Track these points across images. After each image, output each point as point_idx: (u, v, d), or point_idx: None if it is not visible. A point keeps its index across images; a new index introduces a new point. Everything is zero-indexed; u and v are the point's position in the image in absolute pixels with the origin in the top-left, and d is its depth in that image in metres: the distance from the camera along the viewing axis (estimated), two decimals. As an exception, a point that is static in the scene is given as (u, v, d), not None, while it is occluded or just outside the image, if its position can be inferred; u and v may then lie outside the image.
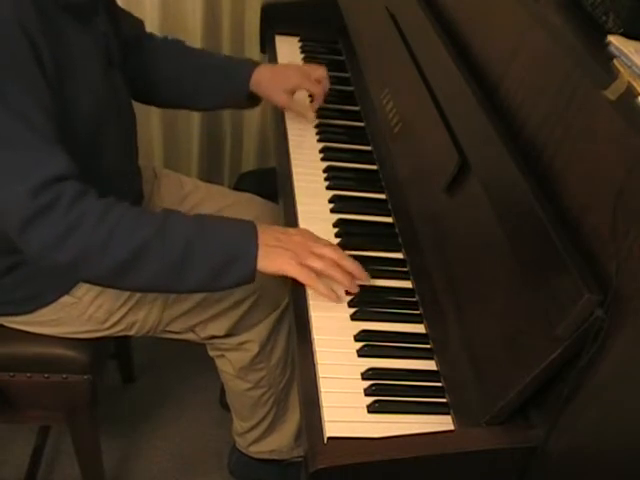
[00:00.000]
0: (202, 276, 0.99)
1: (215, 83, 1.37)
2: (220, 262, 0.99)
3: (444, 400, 0.91)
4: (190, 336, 1.31)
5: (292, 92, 1.37)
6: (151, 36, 1.39)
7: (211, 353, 1.39)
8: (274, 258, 1.00)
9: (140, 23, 1.38)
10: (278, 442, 1.47)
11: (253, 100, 1.40)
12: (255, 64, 1.38)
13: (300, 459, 1.43)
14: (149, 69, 1.34)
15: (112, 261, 0.97)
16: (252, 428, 1.45)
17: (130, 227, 0.97)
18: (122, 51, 1.21)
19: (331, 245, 1.05)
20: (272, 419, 1.43)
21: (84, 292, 1.19)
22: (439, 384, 0.93)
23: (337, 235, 1.14)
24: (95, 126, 1.09)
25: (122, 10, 1.31)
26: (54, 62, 0.97)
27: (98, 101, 1.09)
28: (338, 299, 1.02)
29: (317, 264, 1.00)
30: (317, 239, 1.05)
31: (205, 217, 1.06)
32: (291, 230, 1.06)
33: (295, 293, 1.05)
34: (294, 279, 1.01)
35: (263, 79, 1.35)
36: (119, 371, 1.78)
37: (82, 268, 0.99)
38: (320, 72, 1.39)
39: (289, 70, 1.39)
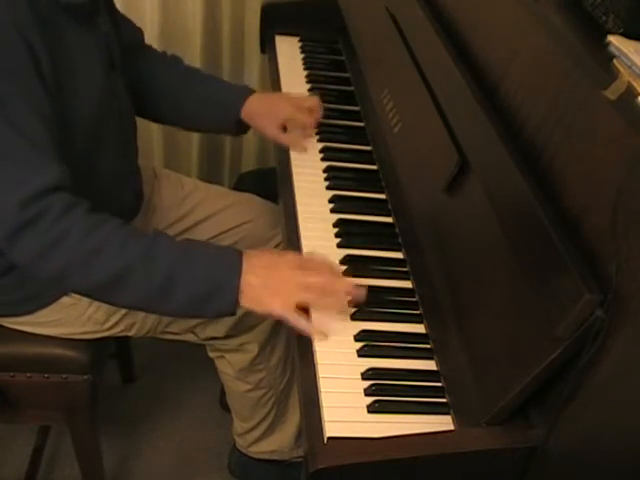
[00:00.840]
0: (182, 304, 0.99)
1: (206, 109, 1.35)
2: (201, 293, 0.98)
3: (444, 400, 0.91)
4: (190, 337, 1.31)
5: (283, 125, 1.34)
6: (150, 48, 1.39)
7: (211, 354, 1.39)
8: (259, 299, 0.98)
9: (140, 32, 1.37)
10: (278, 442, 1.47)
11: (241, 128, 1.37)
12: (248, 92, 1.35)
13: (300, 459, 1.43)
14: (145, 81, 1.33)
15: (95, 278, 0.97)
16: (252, 429, 1.45)
17: (116, 247, 0.96)
18: (123, 53, 1.21)
19: (320, 269, 1.01)
20: (272, 420, 1.43)
21: (84, 292, 1.19)
22: (439, 384, 0.93)
23: (337, 235, 1.14)
24: (95, 127, 1.09)
25: (122, 16, 1.31)
26: (52, 65, 0.96)
27: (99, 102, 1.08)
28: (325, 336, 0.97)
29: (307, 298, 0.98)
30: (306, 266, 1.01)
31: (193, 244, 1.04)
32: (278, 263, 1.01)
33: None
34: None
35: (255, 111, 1.33)
36: (119, 371, 1.78)
37: (68, 281, 0.99)
38: (312, 102, 1.37)
39: (281, 102, 1.36)
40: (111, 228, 0.98)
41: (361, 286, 1.00)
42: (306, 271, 1.00)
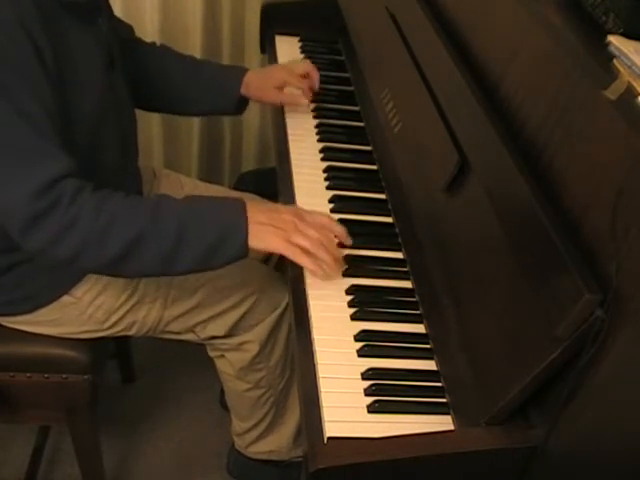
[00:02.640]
0: (196, 256, 1.02)
1: (206, 89, 1.39)
2: (212, 241, 1.01)
3: (444, 400, 0.91)
4: (190, 336, 1.31)
5: (281, 88, 1.41)
6: (140, 41, 1.40)
7: (211, 353, 1.39)
8: (263, 236, 1.03)
9: (130, 28, 1.39)
10: (277, 442, 1.47)
11: (241, 105, 1.42)
12: (244, 71, 1.41)
13: (298, 460, 1.43)
14: (141, 74, 1.34)
15: (111, 251, 0.99)
16: (251, 428, 1.45)
17: (125, 217, 0.99)
18: (122, 52, 1.21)
19: (318, 222, 1.06)
20: (271, 419, 1.43)
21: (83, 292, 1.19)
22: (439, 384, 0.93)
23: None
24: (96, 126, 1.09)
25: (113, 15, 1.31)
26: (56, 61, 0.97)
27: (99, 101, 1.09)
28: (325, 276, 1.04)
29: (303, 242, 1.03)
30: (307, 217, 1.06)
31: (195, 199, 1.09)
32: (281, 208, 1.08)
33: (295, 293, 1.05)
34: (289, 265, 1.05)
35: (252, 81, 1.39)
36: (119, 371, 1.78)
37: (82, 260, 1.01)
38: (304, 66, 1.44)
39: (274, 69, 1.46)
40: (117, 201, 1.01)
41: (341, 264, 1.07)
42: (307, 223, 1.05)
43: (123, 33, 1.33)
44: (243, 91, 1.39)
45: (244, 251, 1.03)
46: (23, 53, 0.93)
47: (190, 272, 1.12)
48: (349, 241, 1.09)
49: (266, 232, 1.03)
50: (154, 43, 1.43)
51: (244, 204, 1.05)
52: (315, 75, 1.44)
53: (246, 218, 1.02)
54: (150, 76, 1.36)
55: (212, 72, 1.41)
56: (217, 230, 1.02)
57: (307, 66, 1.44)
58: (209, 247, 1.01)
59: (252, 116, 2.09)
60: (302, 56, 1.65)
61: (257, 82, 1.39)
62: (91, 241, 0.98)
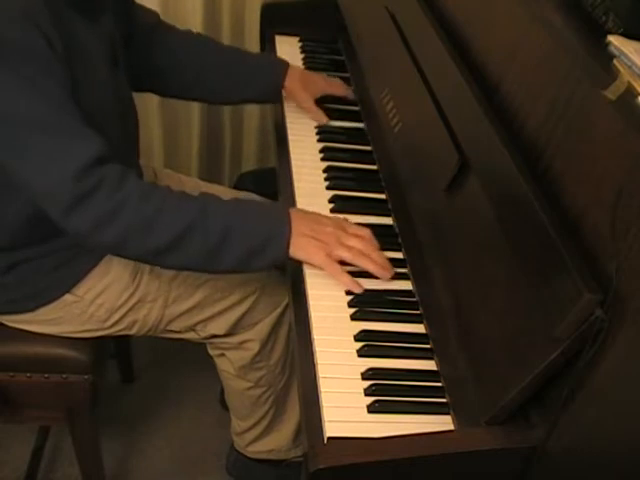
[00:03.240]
0: (236, 259, 1.03)
1: (247, 82, 1.41)
2: (255, 245, 1.03)
3: (444, 400, 0.91)
4: (191, 335, 1.31)
5: (315, 97, 1.44)
6: (173, 28, 1.40)
7: (211, 352, 1.39)
8: (304, 247, 1.04)
9: (154, 14, 1.39)
10: (276, 442, 1.47)
11: (276, 97, 1.46)
12: (286, 65, 1.43)
13: (298, 459, 1.43)
14: (173, 62, 1.36)
15: (153, 244, 1.00)
16: (251, 428, 1.45)
17: (173, 210, 1.01)
18: (126, 51, 1.21)
19: (361, 235, 1.07)
20: (271, 419, 1.43)
21: (85, 291, 1.19)
22: (439, 384, 0.93)
23: (337, 235, 1.14)
24: (98, 124, 1.09)
25: (134, 3, 1.32)
26: (66, 57, 0.98)
27: (103, 99, 1.09)
28: (360, 288, 1.03)
29: (344, 254, 1.04)
30: (348, 229, 1.08)
31: (242, 202, 1.11)
32: (324, 219, 1.09)
33: (295, 293, 1.05)
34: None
35: (294, 82, 1.42)
36: (119, 371, 1.78)
37: (125, 249, 1.02)
38: (342, 88, 1.50)
39: (315, 76, 1.48)
40: (165, 192, 1.02)
41: (389, 269, 1.06)
42: (348, 234, 1.06)
43: (146, 21, 1.34)
44: (287, 83, 1.42)
45: (284, 258, 1.05)
46: (35, 44, 0.94)
47: (228, 272, 1.15)
48: (388, 274, 1.07)
49: (307, 244, 1.04)
50: (190, 31, 1.43)
51: (289, 212, 1.06)
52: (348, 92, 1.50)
53: (290, 227, 1.04)
54: (183, 64, 1.37)
55: (255, 59, 1.45)
56: (261, 235, 1.03)
57: (345, 90, 1.49)
58: (251, 250, 1.03)
59: (252, 116, 2.09)
60: (302, 56, 1.65)
61: (299, 84, 1.42)
62: (136, 230, 0.99)
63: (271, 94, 1.45)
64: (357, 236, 1.07)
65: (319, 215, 1.11)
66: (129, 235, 0.99)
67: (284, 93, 1.44)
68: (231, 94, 1.45)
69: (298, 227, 1.05)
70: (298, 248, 1.04)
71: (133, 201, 0.98)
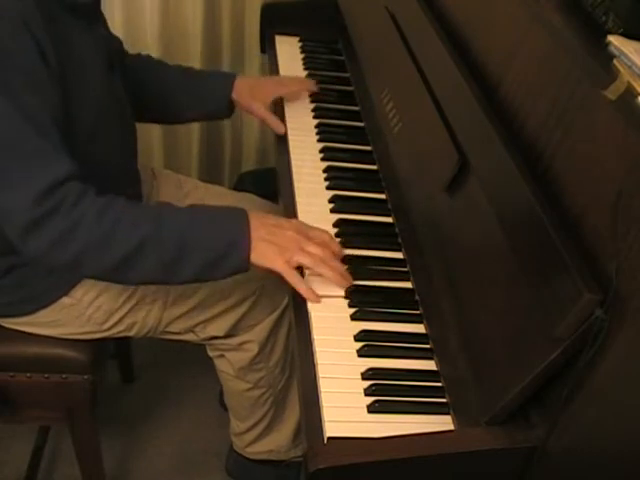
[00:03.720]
0: (197, 268, 1.01)
1: (197, 93, 1.39)
2: (214, 254, 1.01)
3: (444, 400, 0.91)
4: (190, 337, 1.31)
5: (269, 103, 1.41)
6: (130, 55, 1.40)
7: (210, 353, 1.39)
8: (265, 253, 1.01)
9: (119, 40, 1.38)
10: (276, 443, 1.47)
11: (232, 110, 1.44)
12: (233, 74, 1.42)
13: (297, 460, 1.43)
14: (132, 86, 1.32)
15: (110, 259, 0.98)
16: (250, 428, 1.45)
17: (128, 224, 0.99)
18: (120, 55, 1.22)
19: (322, 241, 1.05)
20: (270, 419, 1.43)
21: (83, 293, 1.19)
22: (439, 384, 0.93)
23: (337, 235, 1.14)
24: (96, 126, 1.09)
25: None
26: (58, 61, 0.97)
27: (100, 102, 1.09)
28: (318, 299, 1.01)
29: (305, 260, 1.02)
30: (309, 233, 1.05)
31: (198, 209, 1.08)
32: (284, 223, 1.06)
33: (295, 293, 1.05)
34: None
35: (243, 88, 1.39)
36: (119, 371, 1.78)
37: (82, 266, 1.00)
38: (297, 84, 1.47)
39: (265, 81, 1.48)
40: (120, 207, 1.00)
41: (348, 278, 1.04)
42: (309, 239, 1.03)
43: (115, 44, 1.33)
44: (234, 96, 1.39)
45: (245, 266, 1.02)
46: (26, 50, 0.93)
47: (190, 282, 1.12)
48: (346, 284, 1.05)
49: (267, 249, 1.01)
50: (139, 54, 1.42)
51: (247, 217, 1.03)
52: (308, 85, 1.47)
53: (249, 234, 1.01)
54: (141, 87, 1.35)
55: (202, 77, 1.43)
56: (219, 244, 1.01)
57: (301, 84, 1.47)
58: (210, 260, 1.01)
59: (252, 116, 2.08)
60: (302, 56, 1.65)
61: (248, 91, 1.39)
62: (92, 247, 0.97)
63: (221, 109, 1.42)
64: (318, 241, 1.04)
65: (279, 218, 1.08)
66: (84, 253, 0.97)
67: (239, 103, 1.41)
68: (183, 114, 1.44)
69: (258, 232, 1.02)
70: (259, 254, 1.01)
71: (88, 220, 0.96)
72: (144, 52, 1.43)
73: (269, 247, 1.01)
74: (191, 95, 1.39)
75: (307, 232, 1.05)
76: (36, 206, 0.94)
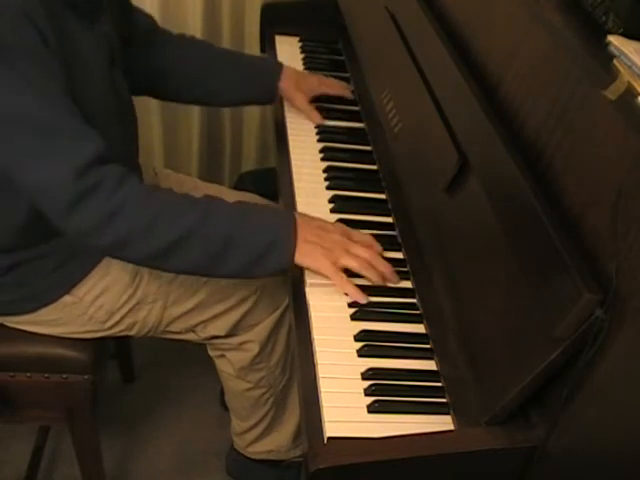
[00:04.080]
0: (240, 263, 1.02)
1: (245, 77, 1.41)
2: (258, 252, 1.01)
3: (444, 400, 0.91)
4: (191, 336, 1.31)
5: (311, 97, 1.44)
6: (166, 32, 1.40)
7: (211, 353, 1.39)
8: (310, 254, 1.02)
9: (150, 19, 1.39)
10: (276, 442, 1.47)
11: (275, 97, 1.46)
12: (281, 65, 1.44)
13: (298, 460, 1.43)
14: (169, 65, 1.36)
15: (154, 246, 0.99)
16: (251, 428, 1.45)
17: (174, 213, 0.99)
18: (124, 51, 1.21)
19: (366, 244, 1.06)
20: (271, 419, 1.43)
21: (85, 292, 1.19)
22: (439, 384, 0.93)
23: (337, 235, 1.14)
24: (98, 124, 1.09)
25: (132, 7, 1.33)
26: (62, 55, 0.98)
27: (101, 99, 1.09)
28: (365, 298, 1.02)
29: (351, 263, 1.02)
30: (354, 237, 1.06)
31: (246, 205, 1.08)
32: (329, 226, 1.07)
33: (295, 293, 1.05)
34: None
35: (288, 82, 1.42)
36: (119, 371, 1.78)
37: (124, 251, 1.01)
38: (339, 86, 1.50)
39: (310, 76, 1.49)
40: (166, 195, 1.01)
41: (396, 277, 1.06)
42: (354, 242, 1.05)
43: (143, 24, 1.35)
44: (281, 84, 1.42)
45: (289, 265, 1.03)
46: (33, 44, 0.93)
47: (231, 277, 1.13)
48: (395, 279, 1.07)
49: (314, 251, 1.02)
50: (184, 34, 1.43)
51: (295, 218, 1.04)
52: (345, 90, 1.50)
53: (296, 234, 1.02)
54: (180, 66, 1.37)
55: (250, 60, 1.45)
56: (266, 241, 1.01)
57: (342, 89, 1.49)
58: (255, 256, 1.01)
59: (252, 116, 2.09)
60: (302, 56, 1.65)
61: (295, 82, 1.42)
62: (135, 232, 0.97)
63: (267, 95, 1.45)
64: (363, 245, 1.05)
65: (324, 221, 1.09)
66: (128, 237, 0.98)
67: (283, 92, 1.44)
68: (227, 96, 1.45)
69: (303, 233, 1.03)
70: (304, 255, 1.02)
71: (133, 202, 0.97)
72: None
73: (315, 249, 1.02)
74: (239, 77, 1.41)
75: (352, 235, 1.06)
76: (77, 181, 0.94)
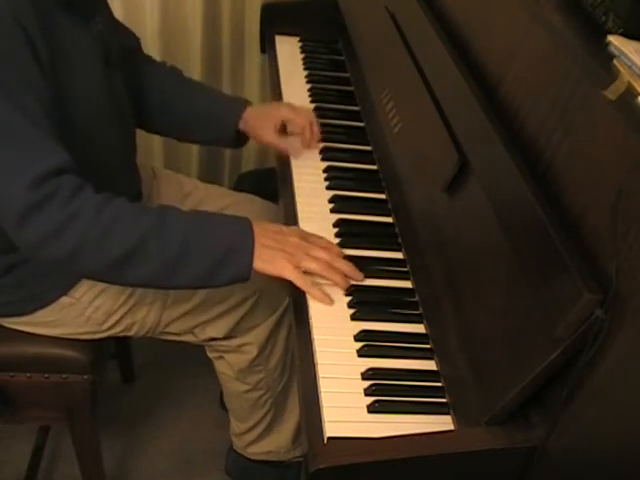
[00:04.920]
0: (197, 273, 1.00)
1: (204, 120, 1.35)
2: (216, 260, 0.99)
3: (444, 400, 0.91)
4: (189, 338, 1.31)
5: (281, 128, 1.33)
6: (146, 57, 1.38)
7: (210, 355, 1.39)
8: (271, 260, 1.00)
9: (136, 40, 1.37)
10: (275, 443, 1.46)
11: (240, 140, 1.37)
12: (245, 104, 1.35)
13: (297, 460, 1.43)
14: (139, 90, 1.32)
15: (108, 257, 0.97)
16: (250, 429, 1.45)
17: (127, 223, 0.97)
18: (121, 52, 1.21)
19: (325, 246, 1.05)
20: (270, 421, 1.43)
21: (82, 293, 1.19)
22: (439, 384, 0.93)
23: (337, 235, 1.14)
24: (93, 124, 1.09)
25: (118, 22, 1.31)
26: (50, 58, 0.97)
27: (96, 99, 1.09)
28: (332, 302, 1.01)
29: (312, 266, 1.01)
30: (311, 239, 1.05)
31: (202, 214, 1.07)
32: (285, 229, 1.06)
33: (295, 293, 1.05)
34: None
35: (250, 118, 1.33)
36: (119, 371, 1.78)
37: (78, 262, 0.98)
38: (307, 114, 1.35)
39: (274, 107, 1.38)
40: (120, 204, 0.99)
41: (359, 274, 1.05)
42: (312, 244, 1.03)
43: (127, 42, 1.32)
44: (242, 127, 1.34)
45: (247, 272, 1.01)
46: (18, 48, 0.93)
47: (188, 288, 1.11)
48: (359, 277, 1.06)
49: (274, 256, 1.00)
50: (164, 62, 1.40)
51: (251, 223, 1.03)
52: (315, 127, 1.34)
53: (253, 239, 1.00)
54: (149, 95, 1.34)
55: (212, 103, 1.36)
56: (223, 248, 0.99)
57: (310, 114, 1.35)
58: (212, 264, 0.99)
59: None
60: (302, 56, 1.65)
61: (256, 120, 1.33)
62: (89, 243, 0.95)
63: (225, 139, 1.36)
64: (321, 247, 1.04)
65: (280, 226, 1.07)
66: (82, 247, 0.95)
67: (246, 131, 1.34)
68: (186, 134, 1.40)
69: (261, 239, 1.01)
70: (264, 261, 1.00)
71: (86, 215, 0.95)
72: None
73: (276, 254, 1.00)
74: (198, 120, 1.34)
75: (309, 237, 1.06)
76: (31, 192, 0.92)
